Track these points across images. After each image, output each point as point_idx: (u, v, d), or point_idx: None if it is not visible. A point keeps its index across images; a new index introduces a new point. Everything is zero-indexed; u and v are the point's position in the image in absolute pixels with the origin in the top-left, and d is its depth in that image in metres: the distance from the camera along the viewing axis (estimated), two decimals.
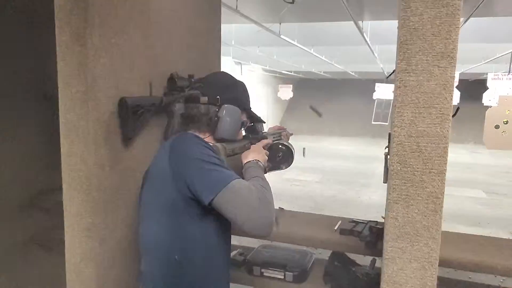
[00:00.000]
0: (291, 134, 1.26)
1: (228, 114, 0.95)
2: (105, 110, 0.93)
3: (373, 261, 1.29)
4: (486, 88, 5.27)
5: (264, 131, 1.16)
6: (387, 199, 0.87)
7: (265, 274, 1.36)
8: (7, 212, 1.42)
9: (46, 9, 1.01)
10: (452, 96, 0.80)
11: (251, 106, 1.06)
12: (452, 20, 0.78)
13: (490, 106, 4.94)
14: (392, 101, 0.96)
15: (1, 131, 1.39)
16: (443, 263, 1.04)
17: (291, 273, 1.34)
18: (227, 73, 1.05)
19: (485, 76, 6.05)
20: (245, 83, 1.07)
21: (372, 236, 1.20)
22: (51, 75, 0.99)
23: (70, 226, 0.94)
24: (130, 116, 0.98)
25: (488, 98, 5.17)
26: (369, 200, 5.01)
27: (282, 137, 1.21)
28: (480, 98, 5.36)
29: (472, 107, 6.95)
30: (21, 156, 1.45)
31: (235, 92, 0.99)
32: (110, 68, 0.94)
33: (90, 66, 0.88)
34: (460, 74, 6.71)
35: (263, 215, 0.80)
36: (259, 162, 0.98)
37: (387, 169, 0.92)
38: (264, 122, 1.14)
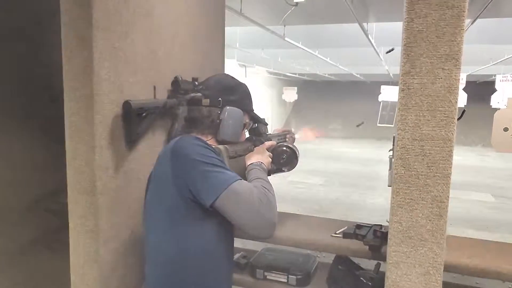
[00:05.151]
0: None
1: (230, 116, 0.95)
2: (110, 113, 0.94)
3: (378, 265, 1.28)
4: (494, 90, 5.20)
5: (269, 132, 1.15)
6: (391, 203, 0.86)
7: (268, 277, 1.35)
8: (12, 213, 1.44)
9: (52, 11, 1.02)
10: (457, 99, 0.79)
11: (253, 107, 1.06)
12: (457, 22, 0.77)
13: (499, 108, 4.86)
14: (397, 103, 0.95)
15: (7, 132, 1.41)
16: (449, 268, 1.03)
17: (294, 277, 1.33)
18: (229, 75, 1.05)
19: (493, 77, 5.97)
20: (248, 85, 1.07)
21: (376, 240, 1.19)
22: (57, 78, 1.00)
23: (75, 228, 0.95)
24: (134, 119, 0.99)
25: (496, 100, 5.10)
26: (374, 204, 4.96)
27: (287, 139, 1.20)
28: (488, 100, 5.29)
29: (480, 109, 6.85)
30: (26, 157, 1.47)
31: (237, 94, 0.99)
32: (114, 72, 0.95)
33: (95, 70, 0.89)
34: (467, 75, 6.64)
35: (264, 217, 0.80)
36: (262, 164, 0.98)
37: (392, 172, 0.91)
38: (267, 124, 1.13)
